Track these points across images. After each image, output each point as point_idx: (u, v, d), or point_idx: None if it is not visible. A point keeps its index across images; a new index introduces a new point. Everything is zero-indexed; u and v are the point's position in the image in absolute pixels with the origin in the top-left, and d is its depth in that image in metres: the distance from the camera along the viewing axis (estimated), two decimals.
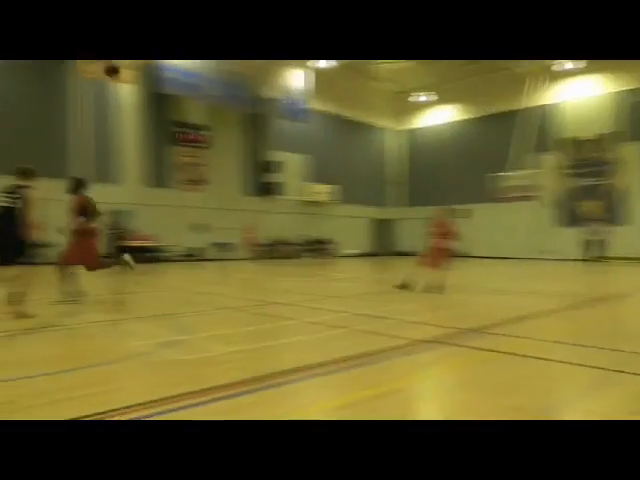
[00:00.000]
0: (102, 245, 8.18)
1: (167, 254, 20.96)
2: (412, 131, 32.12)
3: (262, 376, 3.61)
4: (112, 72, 8.45)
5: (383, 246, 31.00)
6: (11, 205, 6.05)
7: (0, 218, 6.05)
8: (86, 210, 7.40)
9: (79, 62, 17.81)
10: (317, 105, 26.36)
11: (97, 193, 19.79)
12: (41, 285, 7.52)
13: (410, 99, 30.59)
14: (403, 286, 9.27)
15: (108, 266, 8.13)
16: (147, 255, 20.20)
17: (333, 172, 27.85)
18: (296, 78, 24.42)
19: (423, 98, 30.34)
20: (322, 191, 27.42)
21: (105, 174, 19.76)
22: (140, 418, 2.76)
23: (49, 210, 13.02)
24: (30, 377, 3.60)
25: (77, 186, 7.60)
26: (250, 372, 3.73)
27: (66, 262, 7.38)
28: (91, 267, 7.51)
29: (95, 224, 7.56)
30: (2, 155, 17.49)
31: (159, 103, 21.09)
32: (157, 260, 20.37)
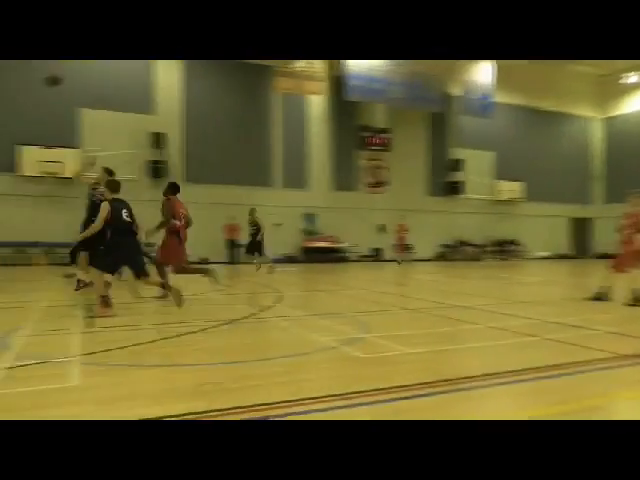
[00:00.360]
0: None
1: (350, 254, 21.83)
2: (611, 119, 28.31)
3: (444, 380, 3.55)
4: (53, 82, 8.76)
5: (580, 247, 27.91)
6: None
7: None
8: (166, 212, 7.89)
9: (275, 78, 19.66)
10: (502, 98, 24.87)
11: (289, 198, 21.57)
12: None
13: (620, 81, 26.91)
14: (598, 298, 8.06)
15: (191, 272, 8.43)
16: (331, 255, 21.34)
17: (520, 168, 25.95)
18: (481, 72, 23.36)
19: (634, 79, 26.48)
20: (508, 189, 25.76)
21: (296, 180, 21.41)
22: (317, 410, 2.94)
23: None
24: (227, 363, 4.08)
25: (168, 189, 8.33)
26: (432, 375, 3.70)
27: (165, 262, 7.92)
28: (174, 269, 7.94)
29: (176, 226, 7.84)
30: (219, 166, 20.09)
31: (345, 110, 22.08)
32: (341, 260, 21.38)
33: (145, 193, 19.04)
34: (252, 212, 14.18)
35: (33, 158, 16.87)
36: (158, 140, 18.81)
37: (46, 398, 3.12)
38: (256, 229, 13.93)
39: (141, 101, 18.85)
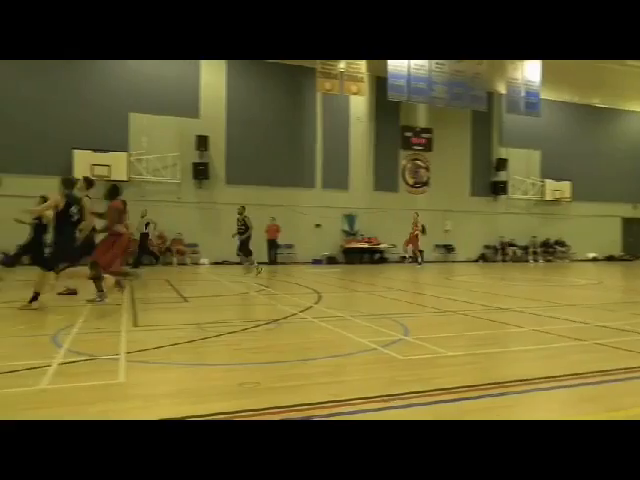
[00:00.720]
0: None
1: (390, 255, 21.68)
2: None
3: (489, 383, 3.47)
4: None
5: (632, 249, 26.72)
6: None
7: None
8: (110, 217, 7.79)
9: (316, 79, 19.75)
10: (549, 94, 24.11)
11: (329, 199, 21.60)
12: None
13: None
14: None
15: (124, 275, 8.23)
16: (370, 256, 21.26)
17: (567, 167, 25.08)
18: (527, 68, 22.74)
19: None
20: (555, 188, 24.96)
21: (337, 181, 21.43)
22: (358, 411, 2.93)
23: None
24: (268, 363, 4.12)
25: (109, 194, 8.06)
26: (476, 378, 3.63)
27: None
28: (106, 269, 7.62)
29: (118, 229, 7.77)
30: (260, 168, 20.36)
31: (386, 110, 21.94)
32: (381, 261, 21.29)
33: (188, 195, 19.52)
34: (241, 210, 13.44)
35: (85, 162, 17.56)
36: (201, 143, 19.21)
37: (95, 393, 3.23)
38: (244, 228, 13.25)
39: (186, 104, 19.30)
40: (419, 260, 18.50)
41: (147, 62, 18.61)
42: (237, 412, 2.86)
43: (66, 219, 7.12)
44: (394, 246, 21.51)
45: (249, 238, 13.27)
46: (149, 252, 17.09)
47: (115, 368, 3.82)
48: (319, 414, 2.85)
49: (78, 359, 4.10)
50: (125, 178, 18.15)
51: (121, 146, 18.31)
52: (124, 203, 8.30)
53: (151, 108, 18.75)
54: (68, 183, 7.39)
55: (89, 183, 8.42)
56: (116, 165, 18.00)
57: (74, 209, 7.16)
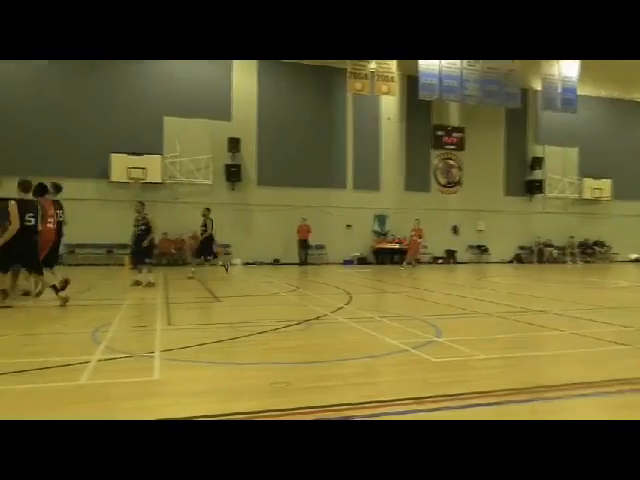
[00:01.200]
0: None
1: (421, 256, 21.45)
2: None
3: (527, 388, 3.39)
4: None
5: None
6: None
7: None
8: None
9: (347, 79, 19.74)
10: (587, 90, 23.39)
11: (360, 199, 21.49)
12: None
13: None
14: None
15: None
16: (402, 257, 21.03)
17: (607, 164, 24.20)
18: (564, 64, 22.13)
19: None
20: (593, 187, 24.21)
21: (367, 181, 21.36)
22: (392, 413, 2.90)
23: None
24: (300, 363, 4.13)
25: (36, 191, 7.98)
26: (513, 382, 3.55)
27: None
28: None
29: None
30: (290, 169, 20.50)
31: (418, 109, 21.73)
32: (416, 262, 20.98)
33: (221, 196, 19.77)
34: (206, 212, 13.26)
35: (121, 165, 18.07)
36: (233, 145, 19.44)
37: (130, 390, 3.30)
38: (204, 229, 13.13)
39: (218, 107, 19.56)
40: (413, 264, 18.09)
41: (179, 66, 18.96)
42: (267, 411, 2.88)
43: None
44: (425, 247, 21.29)
45: (206, 239, 13.20)
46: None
47: (150, 366, 3.89)
48: (352, 415, 2.83)
49: (115, 356, 4.20)
50: (159, 180, 18.56)
51: (155, 149, 18.70)
52: (50, 202, 8.44)
53: (184, 111, 19.08)
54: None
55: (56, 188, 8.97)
56: (151, 168, 18.41)
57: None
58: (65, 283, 7.75)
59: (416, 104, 21.23)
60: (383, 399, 3.11)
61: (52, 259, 8.41)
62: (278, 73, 20.22)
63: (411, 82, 20.73)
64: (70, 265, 16.47)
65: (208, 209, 13.45)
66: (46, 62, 17.02)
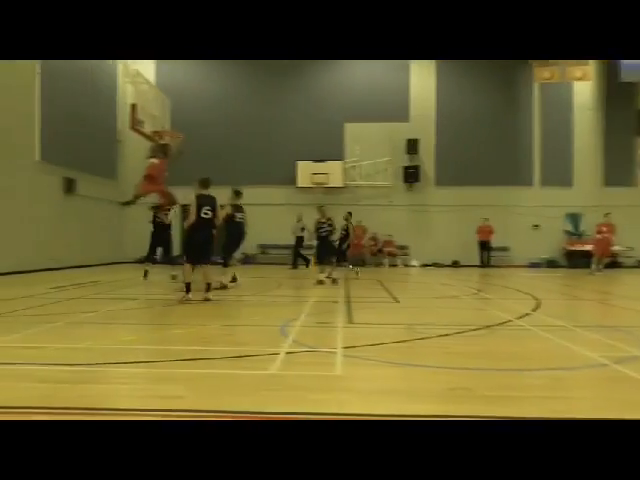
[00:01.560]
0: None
1: (625, 260, 18.91)
2: None
3: None
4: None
5: None
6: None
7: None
8: None
9: (533, 69, 18.37)
10: None
11: (548, 197, 19.82)
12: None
13: None
14: None
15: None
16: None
17: None
18: None
19: None
20: None
21: (557, 177, 19.57)
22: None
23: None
24: (482, 370, 3.96)
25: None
26: None
27: None
28: None
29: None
30: (470, 167, 19.84)
31: (618, 94, 19.24)
32: (613, 266, 18.57)
33: (399, 198, 19.93)
34: (347, 216, 13.09)
35: (306, 171, 19.45)
36: (411, 146, 19.46)
37: (315, 382, 3.54)
38: (345, 233, 12.81)
39: (396, 109, 19.79)
40: (600, 267, 15.66)
41: (358, 70, 19.68)
42: (446, 416, 2.83)
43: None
44: (631, 249, 18.70)
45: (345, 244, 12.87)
46: (302, 255, 17.68)
47: (332, 361, 4.12)
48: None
49: (301, 350, 4.54)
50: (341, 184, 19.44)
51: (337, 155, 19.65)
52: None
53: (364, 116, 19.70)
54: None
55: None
56: (333, 173, 19.43)
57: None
58: (222, 286, 8.86)
59: (616, 88, 18.83)
60: (572, 417, 2.83)
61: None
62: (457, 69, 19.69)
63: (609, 64, 18.41)
64: (262, 264, 18.19)
65: (350, 213, 13.49)
66: (235, 75, 19.15)
